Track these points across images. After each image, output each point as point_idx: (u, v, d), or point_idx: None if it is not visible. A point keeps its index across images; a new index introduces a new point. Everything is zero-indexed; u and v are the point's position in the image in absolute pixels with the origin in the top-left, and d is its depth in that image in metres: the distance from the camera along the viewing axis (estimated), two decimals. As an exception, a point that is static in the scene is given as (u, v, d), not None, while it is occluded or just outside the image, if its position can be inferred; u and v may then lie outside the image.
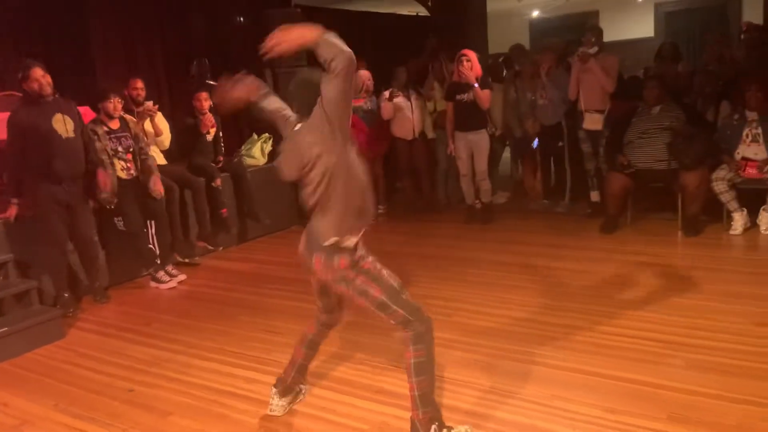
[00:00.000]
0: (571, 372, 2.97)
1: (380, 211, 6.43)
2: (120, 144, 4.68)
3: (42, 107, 4.15)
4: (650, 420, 2.51)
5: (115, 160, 4.66)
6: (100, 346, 3.80)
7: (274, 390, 2.77)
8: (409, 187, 6.81)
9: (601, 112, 5.65)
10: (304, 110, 2.34)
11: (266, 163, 6.38)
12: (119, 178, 4.67)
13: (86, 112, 4.77)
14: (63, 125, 4.22)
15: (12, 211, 4.23)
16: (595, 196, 5.96)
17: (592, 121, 5.70)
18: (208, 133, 5.68)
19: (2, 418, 2.98)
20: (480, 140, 5.84)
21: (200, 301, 4.53)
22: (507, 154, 7.43)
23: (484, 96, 5.66)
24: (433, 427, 2.35)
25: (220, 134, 5.87)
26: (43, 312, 3.99)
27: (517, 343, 3.33)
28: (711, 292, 3.84)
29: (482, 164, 5.91)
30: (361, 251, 2.39)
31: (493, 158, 6.49)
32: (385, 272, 2.41)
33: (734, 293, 3.80)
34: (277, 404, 2.76)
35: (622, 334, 3.34)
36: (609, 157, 5.58)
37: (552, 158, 6.38)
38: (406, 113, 6.26)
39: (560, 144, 6.12)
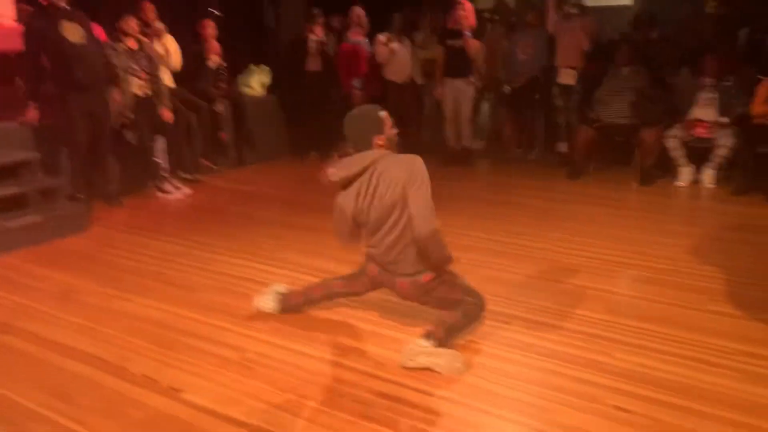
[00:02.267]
0: (533, 279, 3.60)
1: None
2: (137, 63, 5.04)
3: (51, 15, 4.45)
4: (593, 312, 3.14)
5: (132, 78, 5.02)
6: (121, 239, 4.28)
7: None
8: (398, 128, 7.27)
9: (575, 68, 6.21)
10: (360, 144, 2.74)
11: (263, 95, 6.79)
12: (135, 95, 5.04)
13: (98, 32, 5.09)
14: (72, 32, 4.50)
15: (30, 114, 4.55)
16: (562, 147, 6.56)
17: (567, 76, 6.26)
18: (210, 60, 6.04)
19: (49, 287, 3.47)
20: (465, 87, 6.34)
21: (206, 211, 5.02)
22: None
23: (474, 45, 6.14)
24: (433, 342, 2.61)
25: (223, 63, 6.23)
26: (68, 206, 4.42)
27: (491, 257, 3.94)
28: (654, 230, 4.50)
29: (466, 111, 6.43)
30: None
31: (475, 107, 7.02)
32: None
33: (673, 231, 4.47)
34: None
35: (576, 255, 3.97)
36: (579, 111, 6.17)
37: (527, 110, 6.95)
38: (400, 58, 6.69)
39: (536, 97, 6.69)
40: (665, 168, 5.85)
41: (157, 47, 5.56)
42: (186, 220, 4.79)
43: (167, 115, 5.24)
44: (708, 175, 5.61)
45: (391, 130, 2.82)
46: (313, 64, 6.57)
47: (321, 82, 6.61)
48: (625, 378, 2.50)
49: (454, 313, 2.73)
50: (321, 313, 3.10)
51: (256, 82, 6.83)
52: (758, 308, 3.15)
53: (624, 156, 6.12)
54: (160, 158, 5.45)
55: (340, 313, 3.12)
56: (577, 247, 4.12)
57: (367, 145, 2.75)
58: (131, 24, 5.02)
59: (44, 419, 2.26)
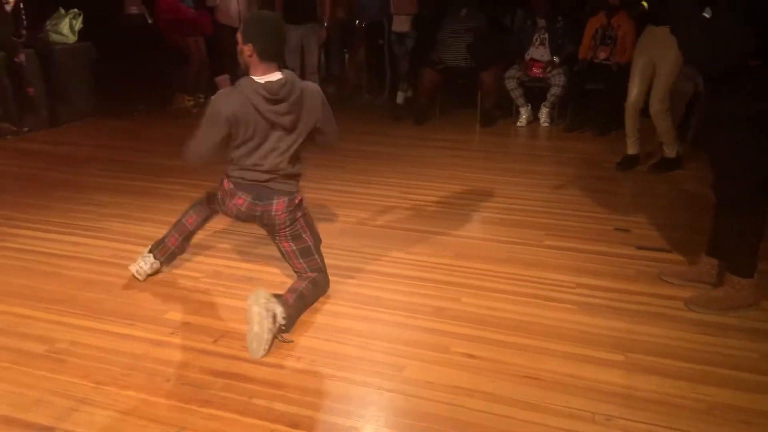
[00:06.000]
0: (379, 228, 3.48)
1: (201, 98, 6.38)
2: None
3: None
4: (440, 258, 3.10)
5: None
6: None
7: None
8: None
9: (409, 15, 6.10)
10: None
11: (76, 42, 5.96)
12: None
13: None
14: None
15: None
16: (400, 97, 6.37)
17: (400, 23, 6.15)
18: (7, 2, 5.15)
19: None
20: (311, 33, 5.97)
21: (11, 179, 4.33)
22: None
23: None
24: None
25: (21, 5, 5.34)
26: None
27: (333, 208, 3.76)
28: (498, 169, 4.59)
29: (312, 58, 6.09)
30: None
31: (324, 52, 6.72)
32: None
33: (516, 170, 4.59)
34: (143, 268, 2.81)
35: (421, 200, 3.92)
36: (422, 54, 6.10)
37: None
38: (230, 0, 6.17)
39: (380, 42, 6.52)
40: (504, 108, 6.01)
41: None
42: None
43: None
44: (544, 114, 5.83)
45: None
46: (132, 6, 5.85)
47: (142, 26, 5.92)
48: (472, 323, 2.47)
49: (302, 282, 2.55)
50: (145, 285, 2.76)
51: (66, 27, 5.96)
52: (592, 240, 3.30)
53: (467, 98, 6.20)
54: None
55: (169, 284, 2.80)
56: (421, 191, 4.07)
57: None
58: None
59: None
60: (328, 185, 4.18)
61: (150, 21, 6.11)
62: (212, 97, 2.46)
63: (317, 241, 2.67)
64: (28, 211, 3.66)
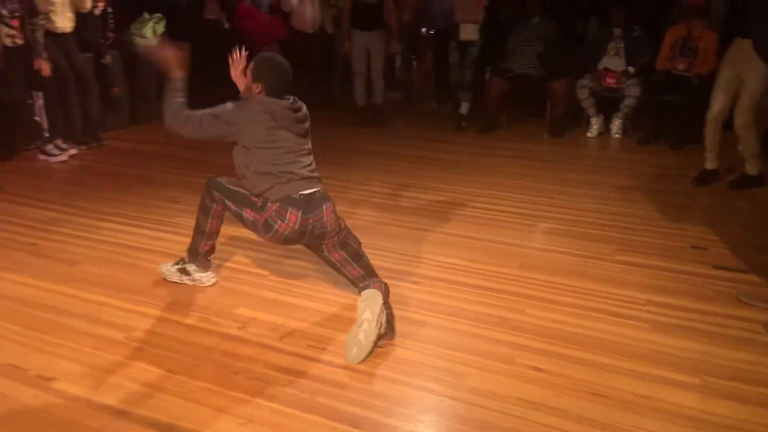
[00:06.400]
0: (444, 235, 3.47)
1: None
2: (4, 7, 4.41)
3: None
4: (504, 267, 3.06)
5: (1, 27, 4.40)
6: (-8, 209, 3.79)
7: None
8: (303, 82, 6.92)
9: (476, 23, 6.00)
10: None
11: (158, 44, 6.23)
12: (4, 47, 4.44)
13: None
14: None
15: None
16: (465, 107, 6.10)
17: (467, 32, 6.05)
18: (96, 7, 5.44)
19: None
20: (378, 39, 6.01)
21: (94, 174, 4.56)
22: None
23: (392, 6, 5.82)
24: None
25: (109, 10, 5.63)
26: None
27: (399, 214, 3.78)
28: (566, 180, 4.49)
29: (379, 62, 6.11)
30: None
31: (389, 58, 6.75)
32: None
33: (585, 181, 4.48)
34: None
35: (487, 209, 3.88)
36: (484, 64, 6.01)
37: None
38: (307, 5, 6.30)
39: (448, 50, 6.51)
40: (575, 118, 5.88)
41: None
42: (69, 184, 4.32)
43: (44, 67, 4.65)
44: (616, 125, 5.67)
45: None
46: (212, 12, 6.07)
47: (220, 31, 6.13)
48: (537, 335, 2.43)
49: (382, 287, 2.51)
50: (221, 282, 2.85)
51: (150, 30, 6.24)
52: (666, 256, 3.18)
53: (536, 107, 6.10)
54: (40, 116, 4.88)
55: (238, 281, 2.88)
56: (487, 200, 4.03)
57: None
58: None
59: None
60: (391, 190, 4.20)
61: (227, 26, 6.33)
62: (239, 101, 2.52)
63: (359, 242, 2.66)
64: (108, 205, 3.85)
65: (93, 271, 2.97)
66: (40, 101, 4.86)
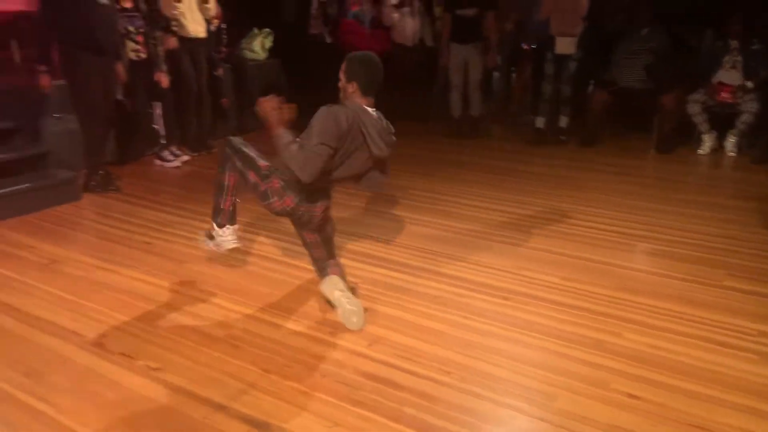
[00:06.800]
0: (538, 251, 3.39)
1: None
2: (131, 24, 4.81)
3: None
4: (600, 287, 2.95)
5: (126, 41, 4.80)
6: (114, 208, 4.12)
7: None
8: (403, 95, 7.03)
9: (573, 36, 5.76)
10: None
11: (266, 59, 6.56)
12: (129, 60, 4.83)
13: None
14: None
15: (43, 81, 4.18)
16: (564, 121, 5.99)
17: (564, 45, 5.79)
18: (212, 23, 5.80)
19: (32, 257, 3.33)
20: (476, 52, 5.98)
21: (205, 180, 4.82)
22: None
23: (490, 19, 5.79)
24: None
25: (223, 26, 5.99)
26: (59, 174, 4.27)
27: (492, 227, 3.74)
28: (673, 199, 4.26)
29: (477, 74, 6.08)
30: None
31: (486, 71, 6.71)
32: None
33: (694, 201, 4.23)
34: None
35: (587, 226, 3.76)
36: (584, 77, 5.80)
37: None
38: (407, 19, 6.40)
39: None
40: (685, 134, 5.57)
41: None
42: (183, 188, 4.63)
43: (163, 80, 5.03)
44: (731, 143, 5.32)
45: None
46: (316, 27, 6.31)
47: (322, 45, 6.36)
48: (635, 361, 2.32)
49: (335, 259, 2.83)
50: (310, 286, 2.94)
51: (258, 45, 6.59)
52: (781, 285, 2.94)
53: (641, 121, 5.83)
54: (158, 124, 5.27)
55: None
56: (587, 218, 3.90)
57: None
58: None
59: (8, 398, 2.13)
60: (485, 203, 4.17)
61: (329, 41, 6.56)
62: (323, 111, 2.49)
63: (334, 230, 2.90)
64: (215, 209, 4.07)
65: (199, 270, 3.16)
66: (158, 110, 5.24)
